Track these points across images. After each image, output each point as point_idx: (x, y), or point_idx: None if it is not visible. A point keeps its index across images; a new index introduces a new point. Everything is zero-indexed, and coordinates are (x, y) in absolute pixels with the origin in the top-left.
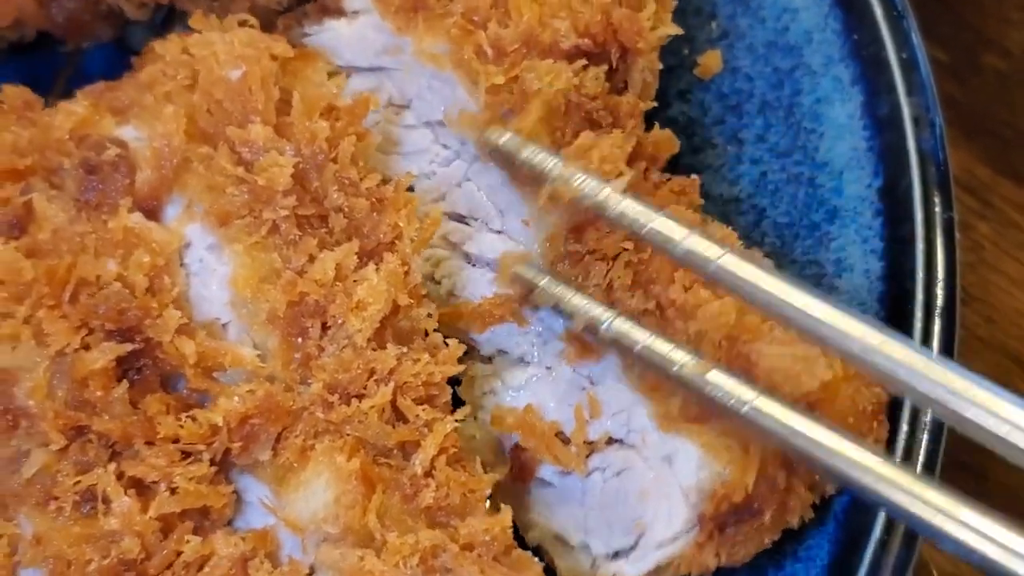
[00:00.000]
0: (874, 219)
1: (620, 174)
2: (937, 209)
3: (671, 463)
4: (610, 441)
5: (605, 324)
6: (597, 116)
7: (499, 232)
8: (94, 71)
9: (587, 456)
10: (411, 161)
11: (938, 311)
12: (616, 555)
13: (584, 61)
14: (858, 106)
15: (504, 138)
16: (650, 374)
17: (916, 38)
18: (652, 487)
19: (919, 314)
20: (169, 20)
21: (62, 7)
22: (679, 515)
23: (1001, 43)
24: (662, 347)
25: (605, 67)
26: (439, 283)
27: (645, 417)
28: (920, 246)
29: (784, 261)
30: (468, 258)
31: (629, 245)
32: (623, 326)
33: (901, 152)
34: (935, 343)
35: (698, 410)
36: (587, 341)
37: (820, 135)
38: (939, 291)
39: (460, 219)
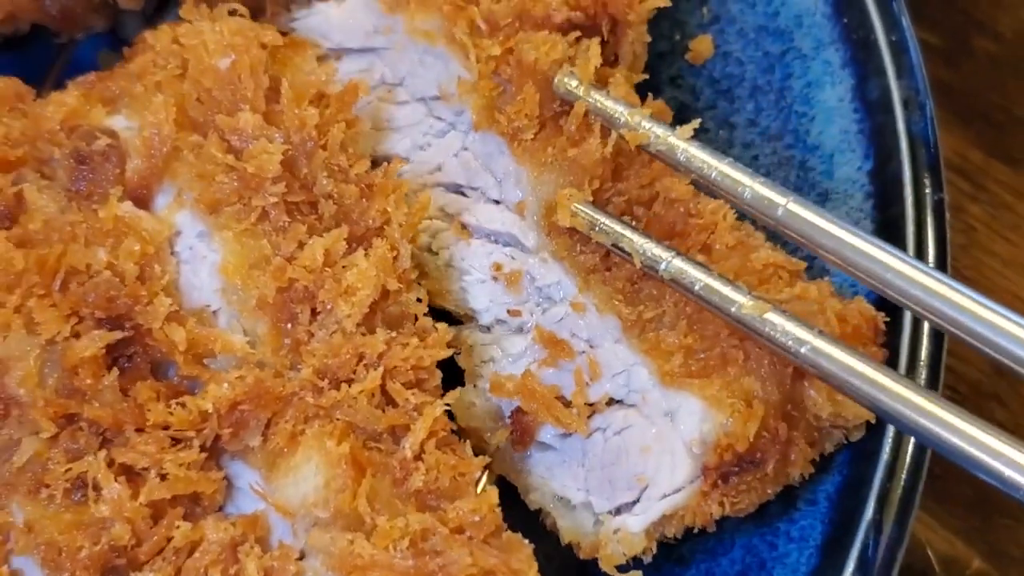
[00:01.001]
0: (865, 201)
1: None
2: (927, 191)
3: (673, 418)
4: (611, 402)
5: (664, 264)
6: None
7: (497, 202)
8: (87, 61)
9: (588, 417)
10: (404, 135)
11: None
12: (619, 511)
13: (577, 33)
14: (848, 89)
15: (574, 83)
16: (650, 335)
17: (906, 21)
18: (654, 442)
19: None
20: (161, 9)
21: (56, 0)
22: (682, 467)
23: (992, 26)
24: (721, 287)
25: (597, 40)
26: (436, 254)
27: (646, 376)
28: (910, 228)
29: (776, 243)
30: (466, 229)
31: (638, 214)
32: (683, 265)
33: (891, 134)
34: (927, 324)
35: (699, 366)
36: (583, 305)
37: (811, 118)
38: None
39: (457, 189)
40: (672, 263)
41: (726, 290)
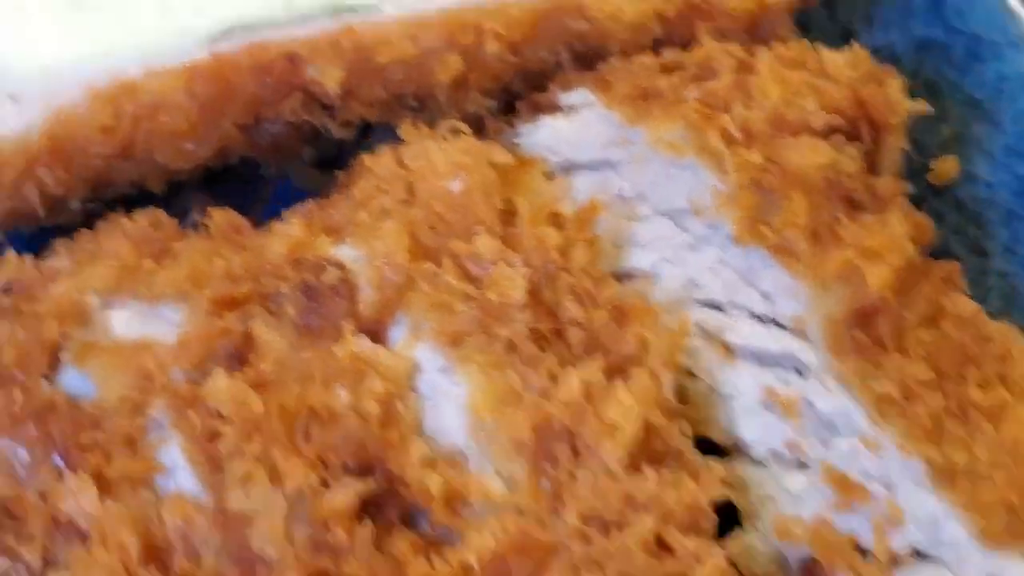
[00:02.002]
0: None
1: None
2: None
3: None
4: (916, 554)
5: None
6: (857, 197)
7: (764, 319)
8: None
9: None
10: (652, 250)
11: None
12: None
13: (839, 137)
14: None
15: None
16: (963, 484)
17: None
18: None
19: None
20: (364, 136)
21: (265, 132)
22: None
23: None
24: None
25: (859, 145)
26: (696, 378)
27: (961, 532)
28: None
29: None
30: (729, 349)
31: (927, 335)
32: None
33: None
34: None
35: None
36: (877, 442)
37: None
38: None
39: (715, 306)
40: None
41: None
